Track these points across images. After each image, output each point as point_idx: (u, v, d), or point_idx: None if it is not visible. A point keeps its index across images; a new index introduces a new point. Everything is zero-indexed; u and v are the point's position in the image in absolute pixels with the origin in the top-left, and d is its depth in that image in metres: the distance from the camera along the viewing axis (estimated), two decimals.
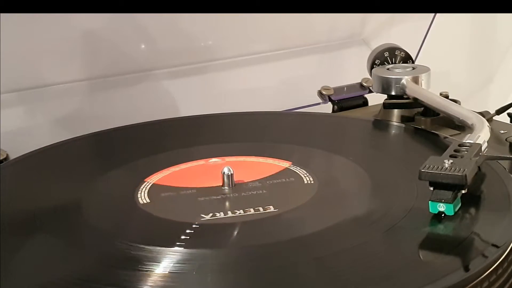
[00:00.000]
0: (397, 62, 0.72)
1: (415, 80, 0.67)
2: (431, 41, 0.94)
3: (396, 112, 0.69)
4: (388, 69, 0.70)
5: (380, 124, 0.67)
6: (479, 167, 0.47)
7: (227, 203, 0.49)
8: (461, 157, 0.46)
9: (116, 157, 0.60)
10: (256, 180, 0.52)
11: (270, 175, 0.53)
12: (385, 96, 0.70)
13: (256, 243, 0.43)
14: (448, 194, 0.43)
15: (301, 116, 0.73)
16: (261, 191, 0.50)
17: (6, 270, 0.40)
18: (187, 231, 0.44)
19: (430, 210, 0.43)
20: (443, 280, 0.37)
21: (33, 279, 0.40)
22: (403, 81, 0.67)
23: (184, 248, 0.42)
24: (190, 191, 0.50)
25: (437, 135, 0.60)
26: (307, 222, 0.46)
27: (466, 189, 0.44)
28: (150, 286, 0.39)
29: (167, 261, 0.41)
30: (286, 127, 0.67)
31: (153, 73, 0.79)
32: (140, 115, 0.69)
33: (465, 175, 0.43)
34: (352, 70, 0.83)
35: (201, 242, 0.43)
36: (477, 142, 0.50)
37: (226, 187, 0.51)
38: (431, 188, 0.44)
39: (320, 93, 0.77)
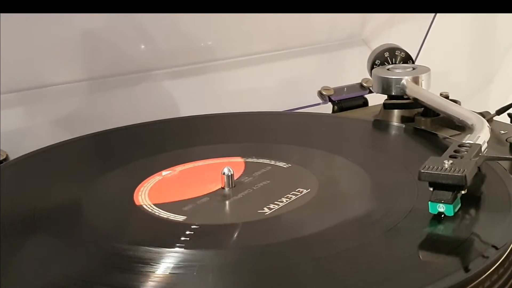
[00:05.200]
0: (397, 63, 0.72)
1: (415, 81, 0.67)
2: (431, 41, 0.94)
3: (396, 112, 0.69)
4: (388, 69, 0.70)
5: (380, 124, 0.67)
6: (479, 167, 0.47)
7: (259, 197, 0.49)
8: (461, 158, 0.46)
9: (116, 157, 0.60)
10: (242, 176, 0.53)
11: (243, 172, 0.54)
12: (385, 97, 0.70)
13: (256, 243, 0.43)
14: (448, 194, 0.43)
15: (301, 116, 0.73)
16: (266, 182, 0.51)
17: (6, 270, 0.40)
18: (187, 231, 0.44)
19: (430, 211, 0.43)
20: (443, 281, 0.37)
21: (33, 279, 0.40)
22: (403, 81, 0.67)
23: (185, 248, 0.42)
24: (204, 199, 0.50)
25: (437, 135, 0.60)
26: (307, 223, 0.46)
27: (466, 190, 0.44)
28: (150, 286, 0.39)
29: (168, 261, 0.41)
30: (286, 127, 0.67)
31: (153, 74, 0.79)
32: (140, 115, 0.69)
33: (465, 176, 0.43)
34: (352, 70, 0.83)
35: (202, 243, 0.43)
36: (477, 142, 0.50)
37: (227, 188, 0.51)
38: (431, 189, 0.44)
39: (320, 93, 0.77)
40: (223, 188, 0.51)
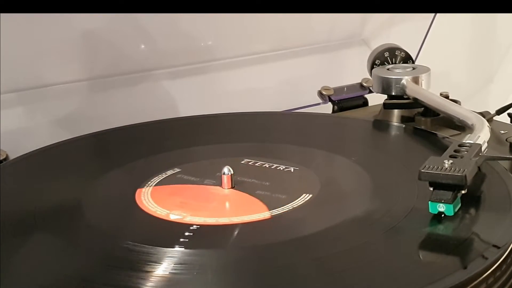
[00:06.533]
0: (397, 62, 0.72)
1: (415, 80, 0.67)
2: (431, 41, 0.93)
3: (396, 112, 0.69)
4: (388, 69, 0.70)
5: (380, 124, 0.67)
6: (479, 167, 0.47)
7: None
8: (461, 158, 0.46)
9: (116, 157, 0.60)
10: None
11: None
12: (385, 96, 0.70)
13: (256, 243, 0.43)
14: (448, 194, 0.43)
15: (301, 116, 0.73)
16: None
17: (6, 270, 0.40)
18: (186, 232, 0.44)
19: (430, 211, 0.43)
20: (443, 281, 0.37)
21: (33, 279, 0.40)
22: (403, 81, 0.67)
23: (185, 248, 0.42)
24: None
25: (437, 135, 0.60)
26: (307, 223, 0.46)
27: (466, 190, 0.44)
28: (150, 286, 0.39)
29: (168, 261, 0.41)
30: (286, 127, 0.67)
31: (153, 73, 0.79)
32: (140, 115, 0.69)
33: (465, 176, 0.43)
34: (352, 70, 0.83)
35: (202, 243, 0.43)
36: (477, 142, 0.50)
37: (227, 188, 0.51)
38: (431, 189, 0.44)
39: (320, 93, 0.77)
40: (230, 188, 0.51)
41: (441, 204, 0.43)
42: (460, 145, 0.48)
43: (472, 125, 0.55)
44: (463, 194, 0.44)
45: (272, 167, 0.55)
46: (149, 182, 0.52)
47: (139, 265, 0.40)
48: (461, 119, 0.58)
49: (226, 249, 0.43)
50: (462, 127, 0.62)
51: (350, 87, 0.78)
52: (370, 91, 0.77)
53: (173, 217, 0.47)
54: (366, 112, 0.74)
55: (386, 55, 0.72)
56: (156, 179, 0.53)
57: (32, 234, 0.45)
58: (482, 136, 0.51)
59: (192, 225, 0.45)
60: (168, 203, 0.49)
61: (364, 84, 0.78)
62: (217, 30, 0.80)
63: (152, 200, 0.49)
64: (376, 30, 0.93)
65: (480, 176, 0.49)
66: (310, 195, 0.49)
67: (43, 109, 0.72)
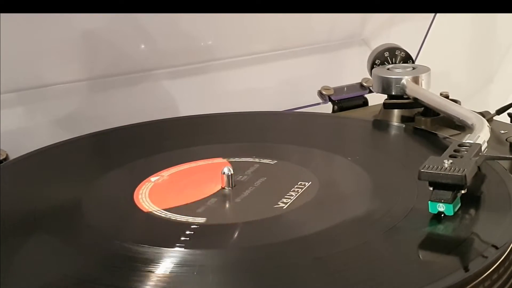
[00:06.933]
0: (397, 62, 0.72)
1: (415, 80, 0.67)
2: (431, 41, 0.94)
3: (396, 112, 0.69)
4: (388, 69, 0.70)
5: (380, 124, 0.67)
6: (479, 167, 0.47)
7: (268, 192, 0.50)
8: (461, 157, 0.46)
9: (116, 157, 0.60)
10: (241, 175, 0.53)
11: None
12: (385, 96, 0.70)
13: (257, 243, 0.43)
14: (448, 194, 0.43)
15: (301, 116, 0.73)
16: (266, 182, 0.52)
17: (6, 270, 0.40)
18: (187, 231, 0.44)
19: (430, 210, 0.43)
20: (443, 281, 0.37)
21: (33, 279, 0.40)
22: (403, 81, 0.67)
23: (185, 248, 0.42)
24: (212, 199, 0.50)
25: (437, 135, 0.60)
26: (308, 223, 0.46)
27: (466, 189, 0.44)
28: (150, 286, 0.39)
29: (168, 261, 0.41)
30: (286, 127, 0.67)
31: (153, 73, 0.79)
32: (140, 115, 0.69)
33: (465, 175, 0.43)
34: (352, 70, 0.83)
35: (203, 243, 0.43)
36: (477, 142, 0.50)
37: (227, 187, 0.51)
38: (431, 188, 0.44)
39: (320, 93, 0.77)
40: (223, 188, 0.51)
41: (441, 204, 0.43)
42: (460, 145, 0.48)
43: (472, 125, 0.55)
44: (463, 194, 0.44)
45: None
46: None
47: (139, 265, 0.40)
48: (461, 119, 0.58)
49: (227, 249, 0.43)
50: (462, 127, 0.62)
51: (350, 87, 0.78)
52: (370, 91, 0.77)
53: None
54: (366, 112, 0.74)
55: (386, 55, 0.72)
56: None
57: (32, 234, 0.45)
58: (482, 136, 0.51)
59: (192, 224, 0.45)
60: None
61: (364, 84, 0.78)
62: (217, 30, 0.80)
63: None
64: (376, 30, 0.93)
65: (480, 176, 0.49)
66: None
67: (43, 109, 0.72)
